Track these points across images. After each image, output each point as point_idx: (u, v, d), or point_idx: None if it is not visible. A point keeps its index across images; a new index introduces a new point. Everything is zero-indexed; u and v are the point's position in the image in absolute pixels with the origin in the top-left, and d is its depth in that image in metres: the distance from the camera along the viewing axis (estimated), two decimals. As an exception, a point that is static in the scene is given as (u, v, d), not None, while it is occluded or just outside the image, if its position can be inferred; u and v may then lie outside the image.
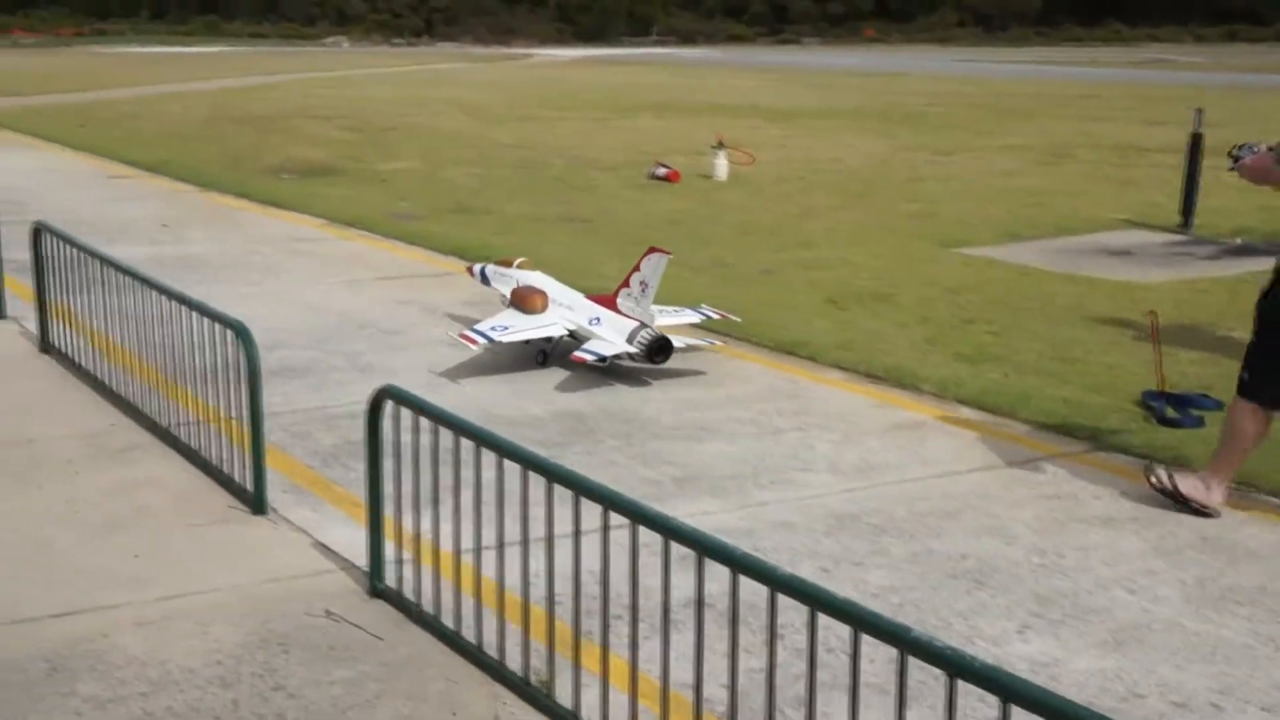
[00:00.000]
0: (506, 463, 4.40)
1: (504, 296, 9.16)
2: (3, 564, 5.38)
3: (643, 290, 8.59)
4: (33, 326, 8.94)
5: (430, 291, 10.87)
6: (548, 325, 8.67)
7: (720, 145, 18.46)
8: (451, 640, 4.71)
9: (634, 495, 6.11)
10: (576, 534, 4.07)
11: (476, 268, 9.83)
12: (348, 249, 12.86)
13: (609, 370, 8.29)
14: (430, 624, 4.82)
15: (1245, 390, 6.14)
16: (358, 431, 5.96)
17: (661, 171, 18.17)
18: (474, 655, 4.59)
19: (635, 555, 3.87)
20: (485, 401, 7.72)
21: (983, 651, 4.60)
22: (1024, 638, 4.84)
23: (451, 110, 31.36)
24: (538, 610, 4.40)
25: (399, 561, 5.02)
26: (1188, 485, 6.16)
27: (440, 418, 4.77)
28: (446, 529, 4.87)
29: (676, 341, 8.43)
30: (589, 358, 8.18)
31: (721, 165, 18.23)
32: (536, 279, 9.20)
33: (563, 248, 12.80)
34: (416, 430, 4.87)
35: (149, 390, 7.11)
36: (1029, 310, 10.32)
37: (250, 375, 5.84)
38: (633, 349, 8.27)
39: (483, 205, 15.70)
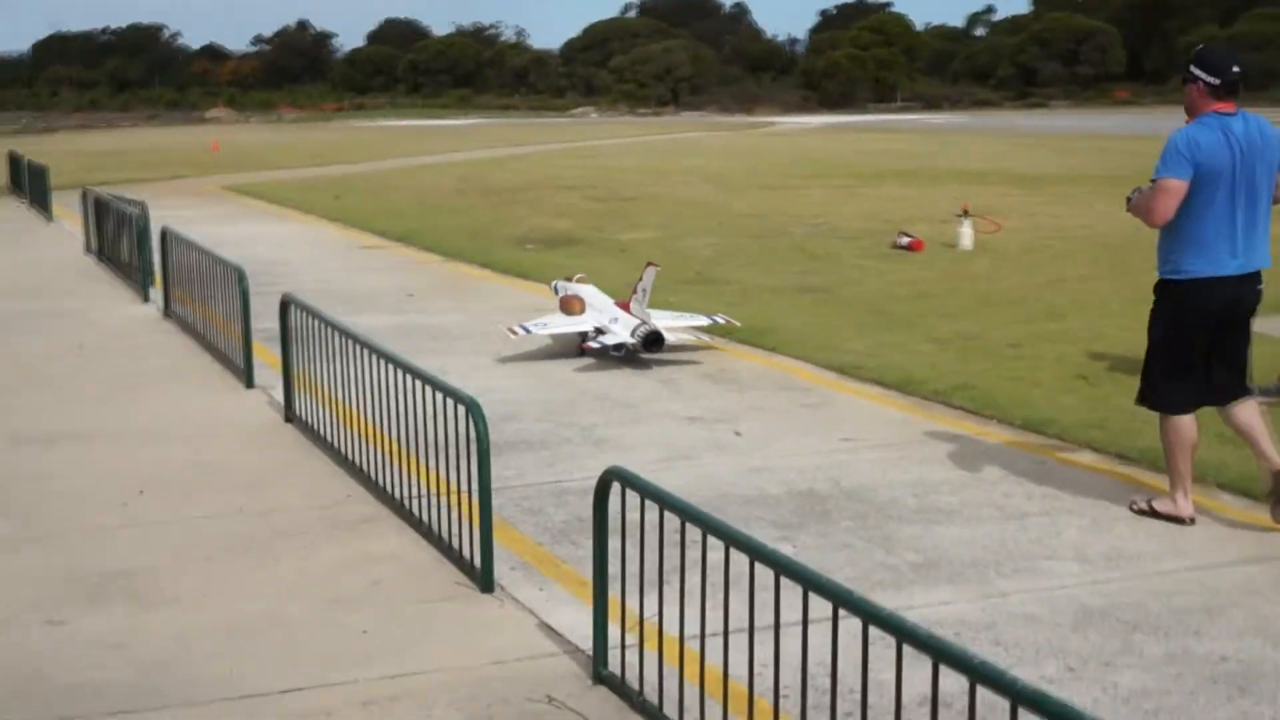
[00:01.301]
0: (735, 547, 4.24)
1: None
2: (236, 637, 5.45)
3: (643, 295, 10.89)
4: (279, 396, 9.17)
5: (668, 362, 10.79)
6: (579, 323, 11.11)
7: (965, 213, 18.08)
8: (674, 732, 4.56)
9: (870, 582, 5.97)
10: (804, 625, 3.89)
11: (553, 283, 12.36)
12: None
13: (846, 448, 8.12)
14: (653, 714, 4.68)
15: (1144, 402, 7.02)
16: (589, 508, 5.88)
17: (905, 240, 17.87)
18: (697, 749, 4.44)
19: (866, 655, 3.66)
20: (722, 478, 7.59)
21: (1247, 767, 4.24)
22: (1294, 753, 4.46)
23: (693, 179, 31.54)
24: (763, 703, 4.23)
25: (623, 646, 4.90)
26: (1161, 504, 6.92)
27: (666, 501, 4.64)
28: (672, 612, 4.74)
29: (669, 336, 10.89)
30: (595, 346, 10.76)
31: (966, 234, 17.84)
32: (584, 289, 11.61)
33: (801, 318, 12.64)
34: (642, 510, 4.76)
35: (386, 461, 7.18)
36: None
37: (479, 452, 5.82)
38: (633, 340, 10.62)
39: (721, 275, 15.64)
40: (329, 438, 8.09)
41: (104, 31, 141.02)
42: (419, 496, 6.73)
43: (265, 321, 10.53)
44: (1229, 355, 6.88)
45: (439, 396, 6.32)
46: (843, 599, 3.77)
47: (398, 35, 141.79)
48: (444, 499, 6.41)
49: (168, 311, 12.91)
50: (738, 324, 11.77)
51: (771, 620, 4.00)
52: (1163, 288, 6.85)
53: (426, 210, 24.53)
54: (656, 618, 4.76)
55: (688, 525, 4.51)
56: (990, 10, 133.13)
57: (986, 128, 65.57)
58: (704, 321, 11.71)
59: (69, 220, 22.25)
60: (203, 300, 11.41)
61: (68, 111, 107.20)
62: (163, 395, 9.86)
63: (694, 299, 13.78)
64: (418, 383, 6.59)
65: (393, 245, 19.35)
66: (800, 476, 7.65)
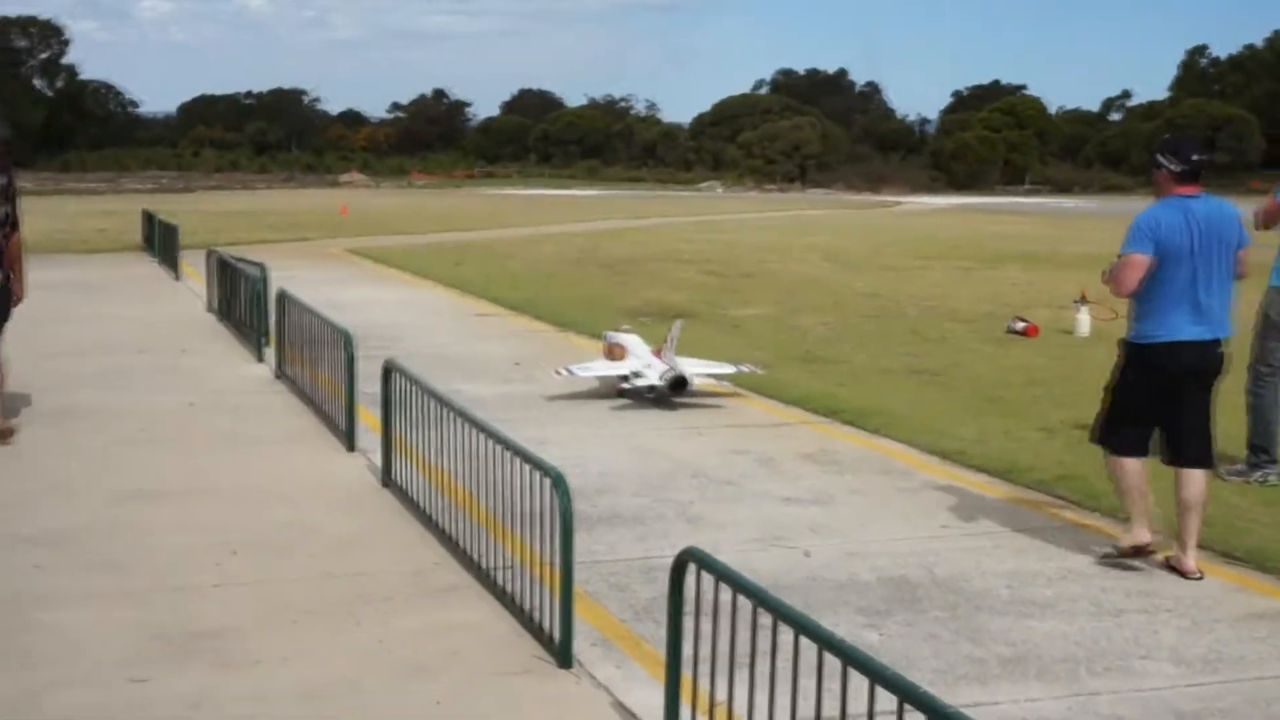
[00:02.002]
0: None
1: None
2: (311, 702, 5.47)
3: (671, 344, 12.73)
4: (378, 460, 9.25)
5: (768, 441, 10.75)
6: (619, 368, 12.64)
7: (1083, 299, 17.81)
8: (739, 822, 4.48)
9: (955, 675, 5.84)
10: (870, 718, 3.81)
11: (605, 333, 13.84)
12: (688, 398, 12.88)
13: (943, 534, 8.00)
14: (718, 802, 4.61)
15: (1094, 438, 8.01)
16: (673, 587, 5.83)
17: (1020, 325, 17.65)
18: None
19: (927, 754, 3.57)
20: (816, 562, 7.50)
21: None
22: None
23: (812, 256, 31.47)
24: (830, 798, 4.13)
25: (693, 731, 4.84)
26: (1121, 542, 7.65)
27: (740, 585, 4.59)
28: (744, 697, 4.67)
29: (695, 381, 12.45)
30: (628, 387, 12.37)
31: (1083, 320, 17.57)
32: (627, 339, 13.20)
33: (908, 400, 12.50)
34: (716, 593, 4.72)
35: (476, 529, 7.19)
36: None
37: (562, 526, 5.80)
38: (661, 383, 12.22)
39: (831, 354, 15.55)
40: (422, 504, 8.14)
41: (248, 95, 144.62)
42: (505, 567, 6.74)
43: (372, 385, 10.67)
44: (1189, 419, 7.59)
45: (528, 467, 6.33)
46: (907, 693, 3.68)
47: (532, 105, 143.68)
48: (530, 571, 6.40)
49: (280, 372, 13.12)
50: (760, 371, 13.38)
51: (839, 710, 3.92)
52: (1127, 348, 7.76)
53: (544, 280, 24.74)
54: (728, 703, 4.69)
55: (760, 610, 4.46)
56: (1126, 95, 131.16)
57: (1115, 212, 64.71)
58: (729, 370, 13.23)
59: (194, 279, 22.76)
60: (313, 362, 11.59)
61: (208, 172, 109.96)
62: (266, 455, 10.00)
63: (801, 377, 13.71)
64: (508, 453, 6.61)
65: (507, 314, 19.51)
66: (893, 562, 7.54)
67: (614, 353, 13.02)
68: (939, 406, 12.32)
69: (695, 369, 12.76)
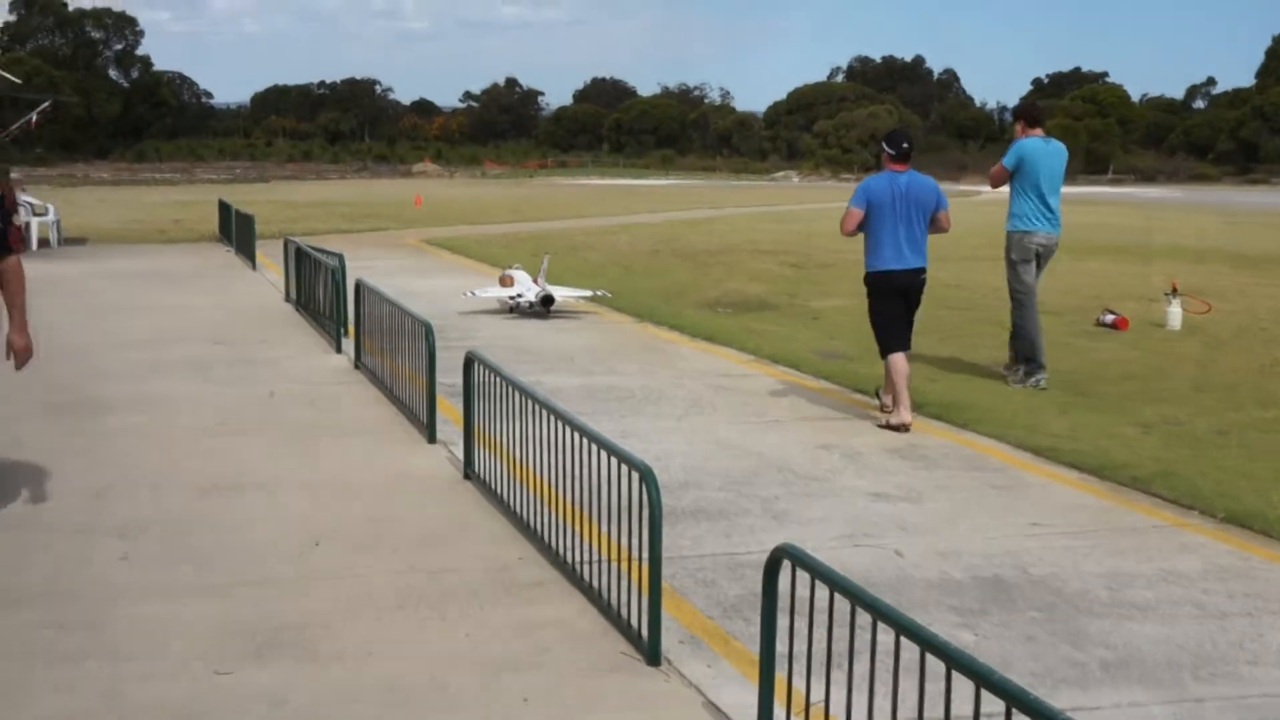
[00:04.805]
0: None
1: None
2: (396, 697, 5.46)
3: (543, 275, 18.07)
4: (459, 452, 9.25)
5: (854, 435, 10.65)
6: (507, 292, 17.99)
7: (1174, 292, 17.55)
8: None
9: (1054, 678, 5.74)
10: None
11: (504, 271, 19.19)
12: (772, 386, 12.81)
13: (1037, 533, 7.89)
14: (816, 806, 4.54)
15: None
16: (761, 584, 5.77)
17: (1109, 318, 17.41)
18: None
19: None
20: (907, 560, 7.41)
21: None
22: None
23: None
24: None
25: (788, 732, 4.78)
26: (894, 419, 10.89)
27: (837, 583, 4.51)
28: (840, 697, 4.60)
29: (558, 294, 17.82)
30: (512, 304, 17.74)
31: (1175, 313, 17.31)
32: (516, 273, 18.66)
33: (996, 395, 12.35)
34: (812, 590, 4.65)
35: (561, 524, 7.16)
36: None
37: (652, 521, 5.74)
38: (534, 300, 17.49)
39: (915, 347, 15.34)
40: (506, 497, 8.12)
41: (320, 85, 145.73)
42: (591, 562, 6.70)
43: (451, 376, 10.67)
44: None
45: (614, 461, 6.29)
46: (1017, 699, 3.60)
47: (604, 94, 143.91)
48: (617, 565, 6.36)
49: (358, 362, 13.17)
50: (610, 295, 19.06)
51: (941, 714, 3.85)
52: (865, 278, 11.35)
53: (621, 271, 24.72)
54: (824, 703, 4.63)
55: (859, 609, 4.39)
56: (1211, 82, 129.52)
57: (1202, 203, 63.88)
58: (587, 293, 18.81)
59: (271, 269, 22.94)
60: (392, 353, 11.61)
61: (281, 161, 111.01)
62: (346, 447, 10.02)
63: (882, 369, 13.54)
64: (594, 446, 6.56)
65: (586, 305, 19.47)
66: (986, 561, 7.42)
67: (505, 281, 18.43)
68: (1029, 401, 12.17)
69: (560, 292, 18.08)
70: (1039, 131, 13.44)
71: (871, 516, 8.30)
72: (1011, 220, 13.32)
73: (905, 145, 11.21)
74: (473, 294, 18.35)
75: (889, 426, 10.83)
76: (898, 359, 11.01)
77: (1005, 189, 13.36)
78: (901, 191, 10.94)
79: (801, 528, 7.97)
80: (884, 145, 11.29)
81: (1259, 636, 6.35)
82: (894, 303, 11.08)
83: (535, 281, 18.03)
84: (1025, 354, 13.08)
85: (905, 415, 10.80)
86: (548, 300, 17.54)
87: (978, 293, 21.46)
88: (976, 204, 61.22)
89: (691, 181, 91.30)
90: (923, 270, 11.15)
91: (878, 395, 11.57)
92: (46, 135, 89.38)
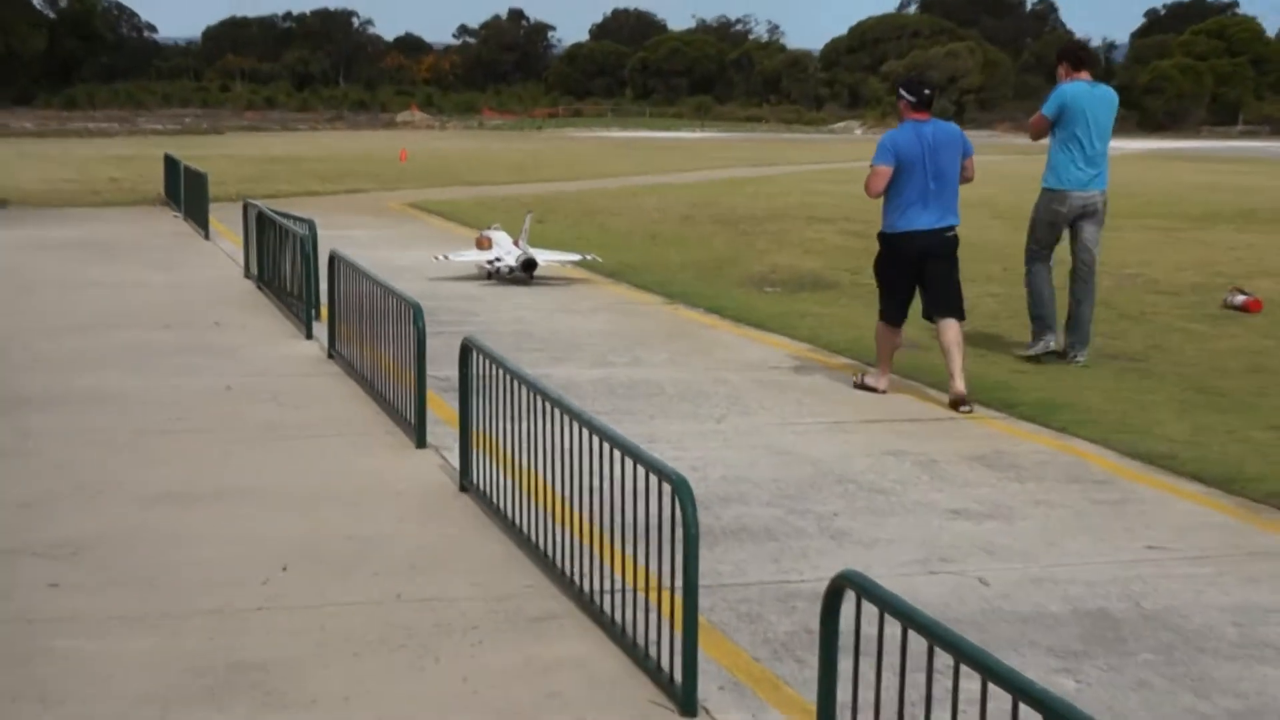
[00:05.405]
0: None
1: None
2: (381, 751, 5.48)
3: (525, 236, 19.39)
4: (454, 459, 9.28)
5: (929, 440, 10.65)
6: (485, 255, 19.05)
7: (1320, 268, 17.50)
8: None
9: (1171, 734, 5.74)
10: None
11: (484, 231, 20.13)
12: (830, 381, 12.82)
13: (1151, 558, 7.87)
14: None
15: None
16: (820, 617, 5.78)
17: (1239, 299, 17.37)
18: None
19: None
20: (994, 590, 7.41)
21: None
22: None
23: (979, 213, 31.13)
24: None
25: (851, 797, 4.79)
26: (869, 379, 12.36)
27: (911, 617, 4.51)
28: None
29: (541, 258, 19.01)
30: (490, 269, 18.87)
31: (1321, 294, 17.26)
32: (495, 234, 19.64)
33: (1103, 392, 12.34)
34: (881, 625, 4.66)
35: (576, 545, 7.17)
36: None
37: (687, 542, 5.75)
38: (515, 265, 18.59)
39: (1003, 333, 15.40)
40: (509, 513, 8.15)
41: (285, 18, 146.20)
42: (613, 591, 6.72)
43: (444, 368, 10.70)
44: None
45: (641, 470, 6.30)
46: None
47: (627, 29, 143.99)
48: (643, 596, 6.37)
49: (332, 351, 13.23)
50: (600, 260, 20.25)
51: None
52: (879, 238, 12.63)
53: (647, 241, 24.77)
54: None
55: (936, 649, 4.39)
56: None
57: (1354, 160, 63.54)
58: (574, 257, 20.08)
59: (227, 238, 23.05)
60: (373, 339, 11.65)
61: (239, 109, 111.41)
62: (318, 451, 10.08)
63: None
64: (617, 452, 6.58)
65: (604, 281, 19.54)
66: (1089, 592, 7.43)
67: (483, 243, 19.42)
68: (1140, 399, 12.16)
69: (544, 256, 19.26)
70: (1085, 75, 13.81)
71: (950, 537, 8.30)
72: (1046, 175, 13.93)
73: (927, 91, 12.11)
74: (445, 258, 19.37)
75: (862, 385, 12.30)
76: (890, 331, 12.26)
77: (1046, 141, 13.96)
78: (929, 143, 11.79)
79: (865, 550, 7.98)
80: (902, 92, 12.12)
81: None
82: (906, 267, 12.08)
83: (516, 244, 19.20)
84: (1033, 314, 13.96)
85: (882, 382, 12.24)
86: (529, 265, 18.70)
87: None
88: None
89: (733, 135, 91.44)
90: (953, 227, 12.06)
91: (865, 382, 12.42)
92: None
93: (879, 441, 10.58)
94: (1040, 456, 10.27)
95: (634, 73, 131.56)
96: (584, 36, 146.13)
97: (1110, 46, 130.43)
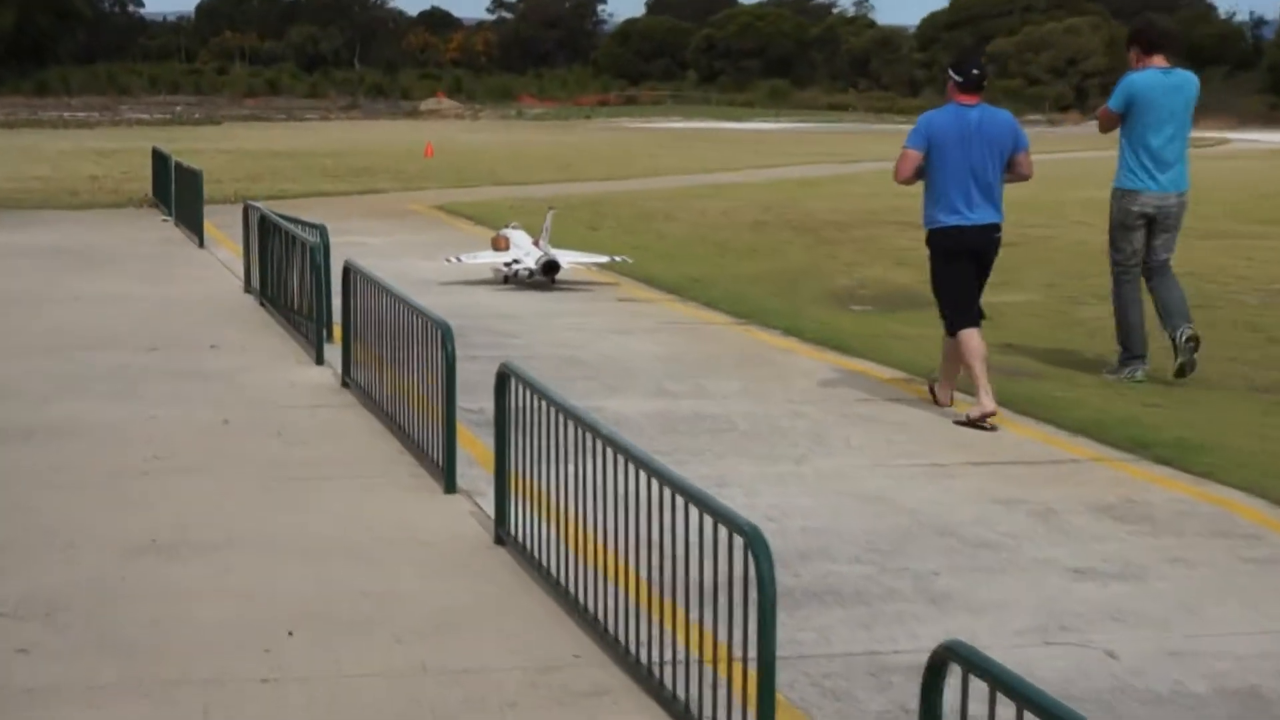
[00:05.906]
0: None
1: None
2: None
3: (546, 235, 20.18)
4: (489, 506, 9.28)
5: (1045, 486, 10.60)
6: (502, 256, 19.81)
7: None
8: None
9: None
10: None
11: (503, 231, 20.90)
12: (929, 416, 12.78)
13: None
14: None
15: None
16: (918, 696, 5.75)
17: None
18: None
19: None
20: (1124, 664, 7.37)
21: None
22: None
23: (1099, 217, 31.05)
24: None
25: None
26: (939, 394, 12.86)
27: (1026, 696, 4.48)
28: None
29: (564, 260, 19.82)
30: (508, 271, 19.62)
31: None
32: (513, 233, 20.47)
33: (1252, 431, 12.26)
34: (992, 705, 4.63)
35: (631, 607, 7.16)
36: None
37: (761, 608, 5.74)
38: (536, 267, 19.32)
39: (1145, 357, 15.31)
40: (552, 569, 8.14)
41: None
42: (674, 663, 6.70)
43: (478, 399, 10.72)
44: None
45: (707, 520, 6.29)
46: None
47: (690, 3, 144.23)
48: (710, 669, 6.36)
49: (347, 378, 13.26)
50: (631, 260, 21.06)
51: None
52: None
53: (713, 250, 24.79)
54: None
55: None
56: None
57: None
58: (603, 259, 20.87)
59: (225, 246, 23.19)
60: (394, 365, 11.66)
61: (238, 96, 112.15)
62: (330, 496, 10.10)
63: (1089, 394, 13.55)
64: (679, 499, 6.57)
65: (663, 298, 19.56)
66: (1238, 667, 7.38)
67: (499, 243, 20.30)
68: (1296, 440, 12.07)
69: (567, 257, 20.04)
70: (1159, 60, 13.85)
71: (1072, 602, 8.26)
72: (1117, 175, 14.20)
73: (976, 72, 12.35)
74: (457, 259, 20.28)
75: (969, 422, 12.06)
76: (971, 336, 12.20)
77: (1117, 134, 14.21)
78: (972, 129, 12.05)
79: (971, 616, 7.95)
80: (950, 71, 12.46)
81: None
82: (964, 266, 12.40)
83: (536, 244, 20.12)
84: (1121, 340, 14.42)
85: (988, 403, 12.00)
86: (550, 267, 19.59)
87: (1218, 283, 21.31)
88: (1219, 156, 60.85)
89: (813, 125, 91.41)
90: (998, 227, 12.38)
91: (932, 391, 12.99)
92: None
93: (987, 488, 10.53)
94: (1178, 506, 10.21)
95: (697, 53, 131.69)
96: (639, 11, 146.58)
97: (1259, 22, 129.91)
